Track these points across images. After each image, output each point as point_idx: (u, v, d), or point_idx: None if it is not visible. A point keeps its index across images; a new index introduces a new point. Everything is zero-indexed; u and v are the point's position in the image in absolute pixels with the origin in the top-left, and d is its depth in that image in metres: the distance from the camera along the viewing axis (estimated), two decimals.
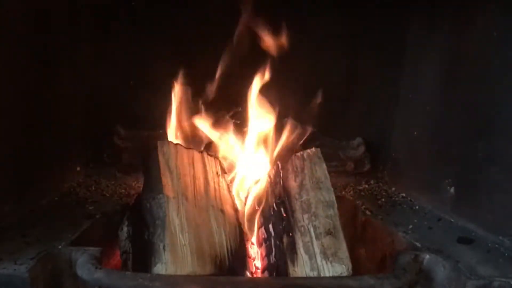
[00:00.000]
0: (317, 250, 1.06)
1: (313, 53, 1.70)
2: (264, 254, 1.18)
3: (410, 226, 1.30)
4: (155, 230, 1.06)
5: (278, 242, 1.12)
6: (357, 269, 1.06)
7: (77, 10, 1.59)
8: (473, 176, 1.29)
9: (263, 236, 1.21)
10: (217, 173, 1.28)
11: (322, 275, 1.03)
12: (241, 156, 1.51)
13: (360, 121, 1.82)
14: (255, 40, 1.60)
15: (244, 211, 1.33)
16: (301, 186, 1.17)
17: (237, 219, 1.22)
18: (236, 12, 1.62)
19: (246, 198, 1.36)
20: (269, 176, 1.25)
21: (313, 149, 1.23)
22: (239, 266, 1.12)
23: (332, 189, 1.17)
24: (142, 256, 1.05)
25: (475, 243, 1.17)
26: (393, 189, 1.73)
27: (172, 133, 1.51)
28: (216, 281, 1.00)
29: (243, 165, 1.50)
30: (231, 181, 1.42)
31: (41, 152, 1.39)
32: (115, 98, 1.74)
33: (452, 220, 1.35)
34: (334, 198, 1.15)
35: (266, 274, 1.14)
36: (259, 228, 1.24)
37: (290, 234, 1.10)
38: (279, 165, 1.23)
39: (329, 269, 1.03)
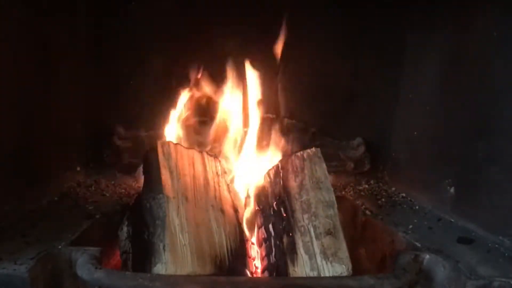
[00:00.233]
0: (317, 250, 1.06)
1: (313, 53, 1.70)
2: (264, 254, 1.18)
3: (410, 226, 1.30)
4: (155, 230, 1.06)
5: (278, 242, 1.12)
6: (357, 269, 1.06)
7: (76, 9, 1.59)
8: (473, 176, 1.29)
9: (263, 236, 1.21)
10: (217, 173, 1.28)
11: (322, 275, 1.03)
12: (241, 156, 1.51)
13: (360, 121, 1.82)
14: (255, 40, 1.60)
15: (244, 211, 1.33)
16: (301, 186, 1.17)
17: (237, 219, 1.22)
18: (236, 12, 1.62)
19: (246, 198, 1.36)
20: (269, 176, 1.25)
21: (313, 149, 1.23)
22: (239, 266, 1.12)
23: (332, 189, 1.17)
24: (142, 256, 1.05)
25: (475, 243, 1.17)
26: (393, 189, 1.73)
27: (172, 133, 1.51)
28: (216, 281, 1.00)
29: (243, 165, 1.50)
30: (231, 181, 1.42)
31: (41, 152, 1.39)
32: (115, 98, 1.74)
33: (452, 220, 1.35)
34: (334, 198, 1.15)
35: (266, 274, 1.14)
36: (259, 228, 1.24)
37: (290, 234, 1.10)
38: (279, 165, 1.23)
39: (329, 269, 1.03)
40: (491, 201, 1.22)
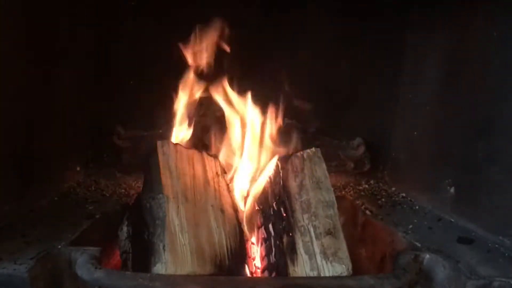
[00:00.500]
0: (317, 250, 1.06)
1: (314, 53, 1.70)
2: (264, 254, 1.18)
3: (410, 226, 1.30)
4: (155, 230, 1.06)
5: (278, 242, 1.12)
6: (357, 269, 1.06)
7: (77, 12, 1.59)
8: (473, 176, 1.29)
9: (263, 236, 1.21)
10: (217, 173, 1.28)
11: (322, 275, 1.03)
12: (241, 156, 1.51)
13: (360, 121, 1.82)
14: (255, 40, 1.60)
15: (244, 211, 1.33)
16: (301, 186, 1.17)
17: (237, 219, 1.22)
18: (236, 13, 1.62)
19: (246, 198, 1.36)
20: (269, 176, 1.25)
21: (313, 149, 1.23)
22: (239, 266, 1.12)
23: (332, 189, 1.17)
24: (142, 256, 1.06)
25: (475, 243, 1.17)
26: (393, 189, 1.73)
27: (172, 133, 1.51)
28: (216, 281, 1.00)
29: (243, 165, 1.49)
30: (231, 181, 1.42)
31: (41, 152, 1.39)
32: (115, 98, 1.74)
33: (452, 220, 1.35)
34: (334, 198, 1.15)
35: (266, 274, 1.14)
36: (259, 228, 1.24)
37: (290, 234, 1.10)
38: (279, 165, 1.23)
39: (329, 269, 1.03)
40: (491, 201, 1.22)
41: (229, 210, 1.21)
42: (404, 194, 1.65)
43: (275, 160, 1.26)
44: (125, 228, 1.16)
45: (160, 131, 1.63)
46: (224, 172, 1.33)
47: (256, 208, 1.27)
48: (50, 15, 1.40)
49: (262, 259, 1.19)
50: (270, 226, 1.17)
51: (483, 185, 1.25)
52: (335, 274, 1.03)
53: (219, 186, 1.25)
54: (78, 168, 1.71)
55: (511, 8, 1.19)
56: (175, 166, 1.18)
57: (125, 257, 1.13)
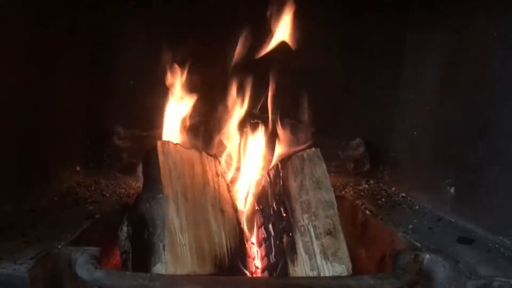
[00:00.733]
0: (317, 250, 1.06)
1: (314, 53, 1.70)
2: (264, 254, 1.18)
3: (410, 226, 1.30)
4: (155, 230, 1.06)
5: (278, 242, 1.12)
6: (357, 269, 1.06)
7: (76, 11, 1.59)
8: (473, 176, 1.29)
9: (263, 236, 1.21)
10: (216, 173, 1.28)
11: (322, 275, 1.03)
12: (241, 156, 1.51)
13: (360, 121, 1.82)
14: (255, 40, 1.60)
15: (244, 211, 1.33)
16: (301, 186, 1.17)
17: (237, 219, 1.22)
18: (236, 13, 1.62)
19: (246, 198, 1.36)
20: (269, 176, 1.25)
21: (313, 149, 1.23)
22: (239, 266, 1.12)
23: (332, 189, 1.17)
24: (142, 256, 1.05)
25: (475, 243, 1.17)
26: (393, 189, 1.73)
27: (172, 133, 1.51)
28: (216, 281, 1.00)
29: (243, 165, 1.50)
30: (231, 181, 1.42)
31: (41, 152, 1.39)
32: (115, 98, 1.74)
33: (452, 220, 1.35)
34: (334, 198, 1.15)
35: (266, 274, 1.14)
36: (259, 228, 1.24)
37: (290, 234, 1.10)
38: (279, 165, 1.23)
39: (329, 269, 1.03)
40: (491, 201, 1.22)
41: (229, 210, 1.21)
42: (404, 194, 1.65)
43: (275, 160, 1.26)
44: (125, 228, 1.16)
45: (160, 131, 1.63)
46: (224, 172, 1.33)
47: (256, 208, 1.27)
48: (50, 14, 1.40)
49: (262, 259, 1.19)
50: (270, 226, 1.18)
51: (483, 185, 1.25)
52: (335, 274, 1.03)
53: (219, 186, 1.25)
54: (78, 168, 1.71)
55: (511, 8, 1.19)
56: (175, 166, 1.18)
57: (125, 257, 1.13)
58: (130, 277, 0.96)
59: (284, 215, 1.14)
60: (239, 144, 1.53)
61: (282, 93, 1.58)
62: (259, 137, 1.51)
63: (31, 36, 1.30)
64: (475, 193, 1.28)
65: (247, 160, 1.50)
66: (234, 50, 1.57)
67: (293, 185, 1.17)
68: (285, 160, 1.23)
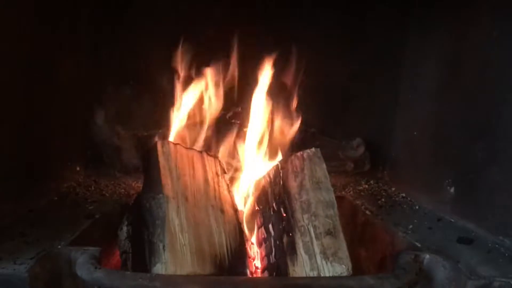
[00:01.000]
0: (317, 250, 1.06)
1: (314, 53, 1.70)
2: (264, 254, 1.18)
3: (410, 226, 1.30)
4: (155, 230, 1.06)
5: (278, 242, 1.12)
6: (357, 269, 1.06)
7: (77, 11, 1.59)
8: (473, 176, 1.29)
9: (263, 236, 1.21)
10: (217, 173, 1.28)
11: (322, 275, 1.03)
12: (241, 156, 1.51)
13: (360, 121, 1.82)
14: (255, 40, 1.60)
15: (244, 211, 1.33)
16: (301, 186, 1.16)
17: (237, 219, 1.22)
18: (236, 13, 1.62)
19: (246, 198, 1.36)
20: (269, 176, 1.25)
21: (313, 149, 1.23)
22: (239, 266, 1.12)
23: (332, 189, 1.17)
24: (142, 256, 1.05)
25: (475, 243, 1.17)
26: (393, 189, 1.73)
27: (172, 133, 1.51)
28: (216, 281, 1.00)
29: (243, 165, 1.49)
30: (231, 181, 1.42)
31: (41, 152, 1.39)
32: (115, 98, 1.74)
33: (452, 220, 1.35)
34: (334, 198, 1.15)
35: (266, 274, 1.14)
36: (259, 228, 1.24)
37: (290, 234, 1.10)
38: (279, 165, 1.23)
39: (329, 269, 1.03)
40: (491, 201, 1.22)
41: (229, 210, 1.21)
42: (404, 194, 1.65)
43: (275, 160, 1.26)
44: (125, 228, 1.16)
45: (160, 131, 1.63)
46: (224, 172, 1.33)
47: (256, 208, 1.27)
48: (50, 13, 1.40)
49: (262, 259, 1.19)
50: (270, 226, 1.17)
51: (483, 185, 1.25)
52: (335, 274, 1.03)
53: (219, 186, 1.25)
54: (78, 168, 1.71)
55: (511, 8, 1.19)
56: (175, 166, 1.18)
57: (125, 257, 1.13)
58: (130, 277, 0.96)
59: (284, 215, 1.14)
60: (239, 144, 1.53)
61: (283, 93, 1.58)
62: (259, 137, 1.51)
63: (31, 36, 1.30)
64: (475, 193, 1.28)
65: (247, 160, 1.50)
66: (233, 48, 1.57)
67: (293, 185, 1.17)
68: (285, 160, 1.23)
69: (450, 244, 1.17)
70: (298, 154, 1.22)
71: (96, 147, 1.76)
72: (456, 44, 1.42)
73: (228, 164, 1.50)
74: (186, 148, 1.26)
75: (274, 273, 1.10)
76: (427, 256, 1.06)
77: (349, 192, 1.71)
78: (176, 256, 1.01)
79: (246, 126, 1.54)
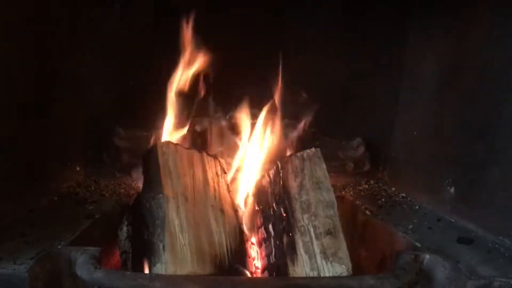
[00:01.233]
0: (317, 250, 1.06)
1: (314, 53, 1.70)
2: (264, 254, 1.18)
3: (410, 226, 1.30)
4: (155, 230, 1.06)
5: (278, 242, 1.12)
6: (357, 269, 1.06)
7: (76, 10, 1.59)
8: (473, 176, 1.29)
9: (263, 236, 1.21)
10: (216, 173, 1.28)
11: (322, 275, 1.03)
12: (241, 156, 1.51)
13: (360, 121, 1.82)
14: (255, 40, 1.60)
15: (244, 211, 1.33)
16: (301, 186, 1.16)
17: (237, 219, 1.22)
18: (236, 10, 1.62)
19: (246, 198, 1.36)
20: (269, 176, 1.25)
21: (313, 149, 1.23)
22: (239, 266, 1.12)
23: (332, 189, 1.17)
24: (142, 256, 1.05)
25: (475, 243, 1.17)
26: (393, 189, 1.73)
27: (172, 133, 1.51)
28: (216, 281, 1.00)
29: (243, 165, 1.49)
30: (231, 181, 1.42)
31: (40, 152, 1.39)
32: (115, 98, 1.74)
33: (452, 220, 1.35)
34: (334, 198, 1.15)
35: (266, 274, 1.14)
36: (259, 228, 1.24)
37: (290, 234, 1.10)
38: (279, 165, 1.23)
39: (329, 269, 1.03)
40: (491, 201, 1.22)
41: (229, 210, 1.21)
42: (404, 194, 1.65)
43: (275, 160, 1.26)
44: (125, 228, 1.16)
45: (160, 131, 1.63)
46: (224, 172, 1.33)
47: (256, 208, 1.27)
48: (50, 12, 1.41)
49: (262, 259, 1.19)
50: (270, 226, 1.18)
51: (483, 185, 1.25)
52: (335, 274, 1.03)
53: (219, 186, 1.25)
54: (78, 168, 1.71)
55: (511, 8, 1.19)
56: (175, 166, 1.18)
57: (125, 257, 1.13)
58: (130, 277, 0.96)
59: (284, 215, 1.14)
60: (239, 144, 1.53)
61: (283, 93, 1.58)
62: (259, 137, 1.51)
63: (31, 35, 1.30)
64: (475, 193, 1.28)
65: (247, 160, 1.50)
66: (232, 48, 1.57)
67: (293, 185, 1.17)
68: (285, 160, 1.23)
69: (450, 244, 1.17)
70: (298, 154, 1.22)
71: (96, 147, 1.76)
72: (456, 44, 1.42)
73: (228, 164, 1.50)
74: (186, 148, 1.26)
75: (274, 273, 1.10)
76: (427, 256, 1.06)
77: (349, 192, 1.71)
78: (176, 256, 1.01)
79: (246, 126, 1.55)
